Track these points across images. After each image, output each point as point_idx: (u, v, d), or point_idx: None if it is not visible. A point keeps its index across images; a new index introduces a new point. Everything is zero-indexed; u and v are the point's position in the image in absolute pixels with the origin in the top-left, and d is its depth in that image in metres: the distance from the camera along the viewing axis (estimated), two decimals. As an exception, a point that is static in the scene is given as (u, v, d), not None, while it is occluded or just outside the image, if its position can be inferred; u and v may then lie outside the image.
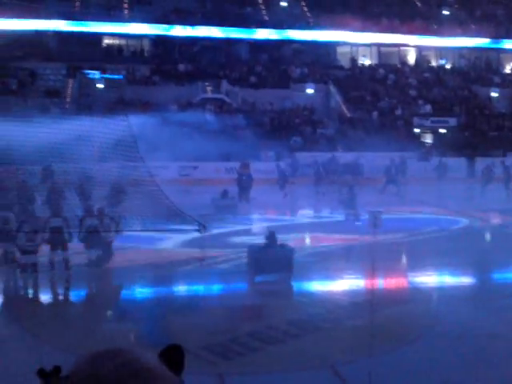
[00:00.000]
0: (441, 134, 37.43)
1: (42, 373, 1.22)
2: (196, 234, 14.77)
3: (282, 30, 40.96)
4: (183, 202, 17.11)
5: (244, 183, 23.96)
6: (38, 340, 9.37)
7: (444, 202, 25.26)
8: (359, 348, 10.01)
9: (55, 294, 13.78)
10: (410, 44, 43.83)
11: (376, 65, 43.21)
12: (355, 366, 9.97)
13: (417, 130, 37.27)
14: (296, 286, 14.19)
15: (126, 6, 40.95)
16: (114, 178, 18.74)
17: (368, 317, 10.46)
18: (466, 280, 15.32)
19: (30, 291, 13.92)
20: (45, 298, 12.86)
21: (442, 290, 14.48)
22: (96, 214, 15.35)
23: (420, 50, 44.52)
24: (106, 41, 40.90)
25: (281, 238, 14.81)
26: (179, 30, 39.62)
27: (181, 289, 14.65)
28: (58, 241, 14.40)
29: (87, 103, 31.17)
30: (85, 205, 17.05)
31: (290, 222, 21.35)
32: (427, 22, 43.70)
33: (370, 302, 11.33)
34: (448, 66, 44.67)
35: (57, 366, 1.24)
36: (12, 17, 36.89)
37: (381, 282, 14.76)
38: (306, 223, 21.72)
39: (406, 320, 11.89)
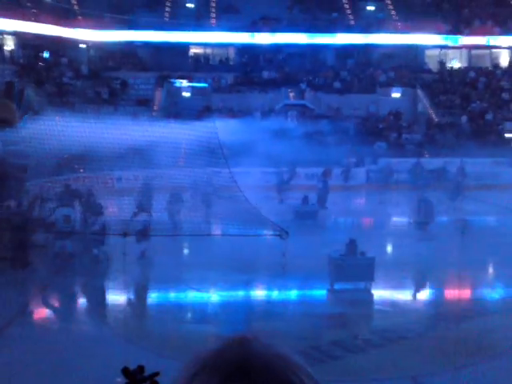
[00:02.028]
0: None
1: (126, 372, 1.28)
2: (278, 240, 14.85)
3: (368, 35, 40.52)
4: (265, 208, 17.25)
5: (321, 189, 23.73)
6: (123, 340, 9.68)
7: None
8: (443, 360, 9.78)
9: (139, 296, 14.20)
10: (503, 46, 42.33)
11: (466, 68, 42.00)
12: (439, 378, 9.76)
13: (509, 135, 35.90)
14: (377, 294, 13.99)
15: (213, 15, 41.69)
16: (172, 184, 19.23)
17: (453, 328, 10.19)
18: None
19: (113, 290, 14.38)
20: (130, 299, 13.26)
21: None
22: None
23: (513, 51, 42.94)
24: (194, 50, 41.78)
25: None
26: (265, 38, 39.93)
27: (262, 294, 14.76)
28: None
29: (174, 111, 31.94)
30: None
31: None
32: (521, 23, 42.08)
33: (456, 312, 11.04)
34: (543, 68, 42.83)
35: (141, 365, 1.29)
36: (104, 28, 38.36)
37: (468, 292, 14.35)
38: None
39: (494, 332, 11.50)
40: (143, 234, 15.91)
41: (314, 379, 1.08)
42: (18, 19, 34.88)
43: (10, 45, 36.94)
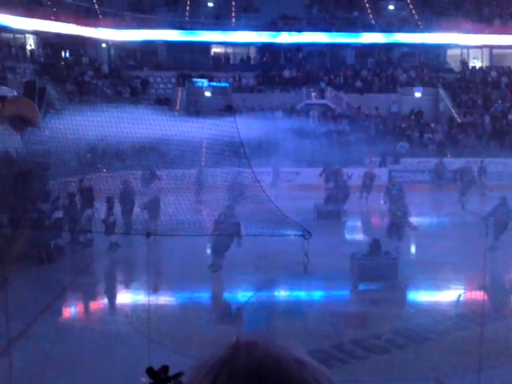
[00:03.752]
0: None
1: (150, 371, 1.27)
2: (300, 240, 14.79)
3: (389, 34, 40.30)
4: (286, 208, 17.18)
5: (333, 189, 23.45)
6: (147, 339, 9.67)
7: None
8: (467, 361, 9.67)
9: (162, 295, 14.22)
10: (525, 45, 41.90)
11: (488, 67, 41.61)
12: (462, 379, 9.67)
13: (532, 135, 35.51)
14: (401, 295, 13.90)
15: (233, 14, 41.73)
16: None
17: (477, 329, 10.07)
18: None
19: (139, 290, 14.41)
20: (153, 298, 13.26)
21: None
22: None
23: (536, 51, 42.47)
24: (214, 49, 41.84)
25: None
26: (285, 37, 39.88)
27: (285, 294, 14.73)
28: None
29: (195, 110, 32.01)
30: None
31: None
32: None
33: (480, 313, 10.91)
34: None
35: (165, 365, 1.28)
36: (125, 28, 38.54)
37: (492, 293, 14.20)
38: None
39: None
40: (110, 230, 17.02)
41: (331, 381, 1.07)
42: (39, 18, 35.19)
43: (31, 44, 37.27)
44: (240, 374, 1.02)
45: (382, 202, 22.59)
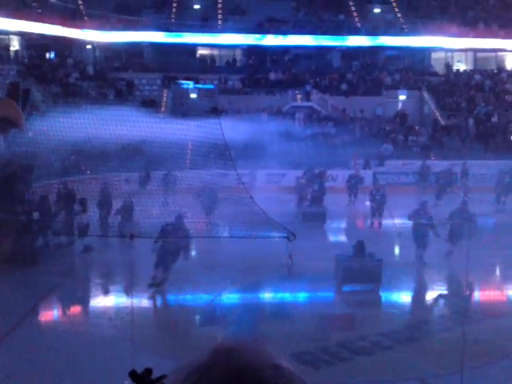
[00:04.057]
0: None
1: (133, 375, 1.26)
2: (284, 242, 14.81)
3: (375, 37, 40.50)
4: (271, 209, 17.20)
5: (317, 191, 23.40)
6: (132, 343, 9.64)
7: None
8: (451, 361, 9.73)
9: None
10: (508, 49, 42.27)
11: (472, 70, 41.93)
12: (447, 380, 9.73)
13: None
14: (385, 296, 13.95)
15: (220, 16, 41.71)
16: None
17: (460, 330, 10.14)
18: None
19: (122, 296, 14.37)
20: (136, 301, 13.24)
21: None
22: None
23: (519, 54, 42.87)
24: (201, 51, 41.79)
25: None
26: (271, 40, 39.95)
27: (269, 296, 14.73)
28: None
29: (181, 112, 31.94)
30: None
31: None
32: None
33: (464, 314, 10.99)
34: (549, 71, 42.73)
35: (148, 368, 1.27)
36: (111, 29, 38.40)
37: (475, 294, 14.31)
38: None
39: (502, 333, 11.47)
40: (83, 232, 16.88)
41: None
42: (24, 19, 34.95)
43: (15, 45, 37.03)
44: (218, 381, 1.03)
45: (367, 203, 22.71)
